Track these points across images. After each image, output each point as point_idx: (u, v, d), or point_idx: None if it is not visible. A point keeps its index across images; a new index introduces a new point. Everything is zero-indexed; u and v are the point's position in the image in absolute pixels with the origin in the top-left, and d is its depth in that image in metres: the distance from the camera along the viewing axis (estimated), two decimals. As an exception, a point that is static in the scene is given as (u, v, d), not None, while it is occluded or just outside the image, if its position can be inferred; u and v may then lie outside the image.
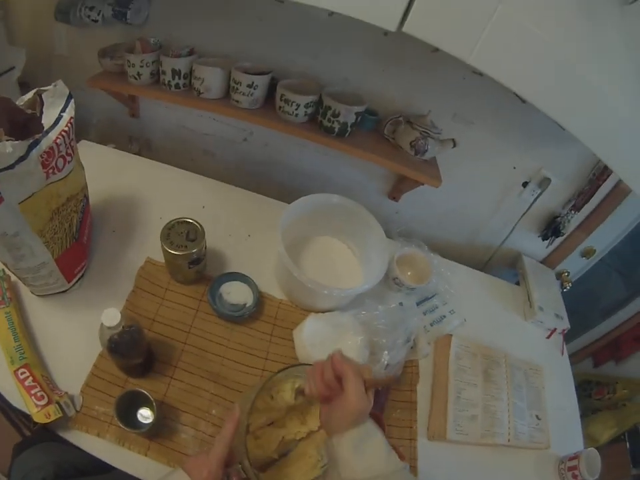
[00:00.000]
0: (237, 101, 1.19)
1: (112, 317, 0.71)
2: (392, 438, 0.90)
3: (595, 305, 1.58)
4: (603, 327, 1.52)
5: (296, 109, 1.14)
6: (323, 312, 1.00)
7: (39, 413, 0.74)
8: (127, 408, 0.78)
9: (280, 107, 1.17)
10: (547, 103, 0.78)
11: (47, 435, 0.80)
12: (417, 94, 1.17)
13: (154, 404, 0.77)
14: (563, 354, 1.20)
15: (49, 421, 0.74)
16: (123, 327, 0.73)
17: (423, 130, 1.12)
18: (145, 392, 0.78)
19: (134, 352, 0.80)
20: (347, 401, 0.61)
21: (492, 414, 0.97)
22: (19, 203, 0.71)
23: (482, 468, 0.93)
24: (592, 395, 1.49)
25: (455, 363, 1.02)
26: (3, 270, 0.89)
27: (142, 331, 0.80)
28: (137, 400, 0.80)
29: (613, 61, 0.75)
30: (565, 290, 1.34)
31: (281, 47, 1.18)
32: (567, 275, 1.37)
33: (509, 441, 0.94)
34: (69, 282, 0.93)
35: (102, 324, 0.72)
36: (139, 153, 1.32)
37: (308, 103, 1.14)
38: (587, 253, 1.36)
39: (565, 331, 1.22)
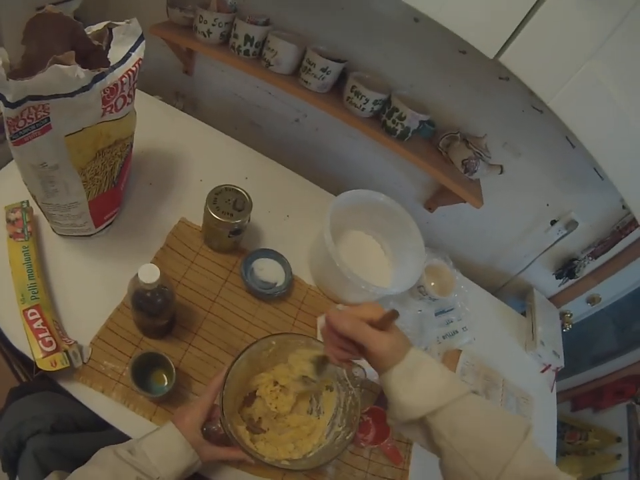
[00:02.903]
0: (306, 82, 1.18)
1: (151, 273, 0.68)
2: (392, 438, 0.91)
3: (587, 350, 1.62)
4: (590, 374, 1.56)
5: (364, 103, 1.14)
6: (350, 305, 1.01)
7: (45, 359, 0.70)
8: (141, 369, 0.76)
9: (348, 98, 1.17)
10: (601, 153, 0.86)
11: (46, 383, 0.76)
12: (475, 115, 1.19)
13: (174, 371, 0.76)
14: (552, 390, 1.24)
15: (54, 369, 0.70)
16: (157, 286, 0.70)
17: (477, 151, 1.14)
18: (166, 356, 0.77)
19: (161, 313, 0.78)
20: (370, 352, 0.58)
21: (484, 433, 1.01)
22: (66, 136, 0.68)
23: None
24: (565, 437, 1.54)
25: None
26: (27, 201, 0.86)
27: (174, 294, 0.78)
28: (152, 362, 0.78)
29: None
30: (564, 330, 1.38)
31: (355, 39, 1.18)
32: (570, 317, 1.42)
33: None
34: (96, 227, 0.90)
35: (136, 277, 0.69)
36: (182, 111, 1.29)
37: (377, 100, 1.14)
38: (592, 300, 1.41)
39: (559, 369, 1.26)
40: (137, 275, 0.68)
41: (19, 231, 0.83)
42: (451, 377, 0.58)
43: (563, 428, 1.56)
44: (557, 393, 1.26)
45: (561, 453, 1.50)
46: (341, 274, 0.90)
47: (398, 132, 1.15)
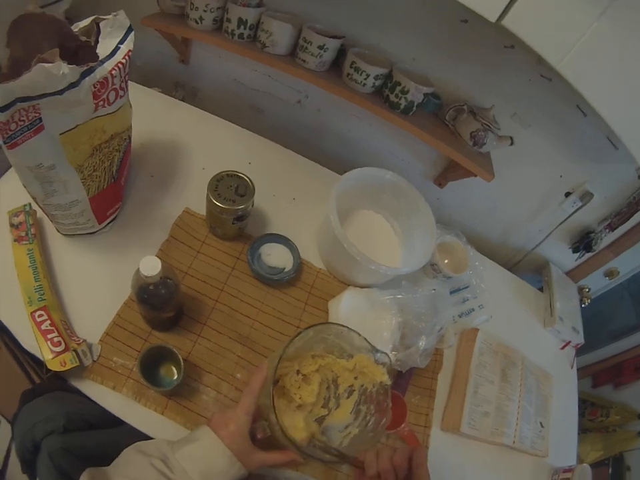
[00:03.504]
0: (304, 61, 1.16)
1: (152, 265, 0.67)
2: (408, 423, 0.90)
3: (605, 326, 1.59)
4: (609, 350, 1.53)
5: (365, 79, 1.12)
6: (361, 287, 0.99)
7: (54, 360, 0.71)
8: (150, 363, 0.76)
9: (348, 74, 1.15)
10: (616, 118, 0.82)
11: (57, 383, 0.76)
12: (481, 86, 1.15)
13: (182, 363, 0.75)
14: (572, 367, 1.21)
15: (64, 369, 0.71)
16: (160, 278, 0.69)
17: (485, 122, 1.11)
18: (174, 349, 0.76)
19: (166, 306, 0.77)
20: None
21: (504, 413, 0.98)
22: (60, 134, 0.67)
23: (483, 465, 0.94)
24: (585, 414, 1.51)
25: (477, 358, 1.02)
26: (30, 204, 0.86)
27: (179, 285, 0.77)
28: (161, 356, 0.78)
29: None
30: (583, 306, 1.35)
31: (353, 16, 1.15)
32: (588, 291, 1.38)
33: (514, 442, 0.95)
34: (99, 223, 0.90)
35: (138, 270, 0.68)
36: (183, 101, 1.28)
37: (378, 75, 1.12)
38: (610, 274, 1.37)
39: (579, 346, 1.24)
40: (138, 268, 0.67)
41: (22, 234, 0.83)
42: None
43: (584, 405, 1.54)
44: (577, 370, 1.24)
45: (582, 430, 1.48)
46: (350, 255, 0.88)
47: (402, 106, 1.13)
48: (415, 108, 1.13)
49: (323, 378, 0.80)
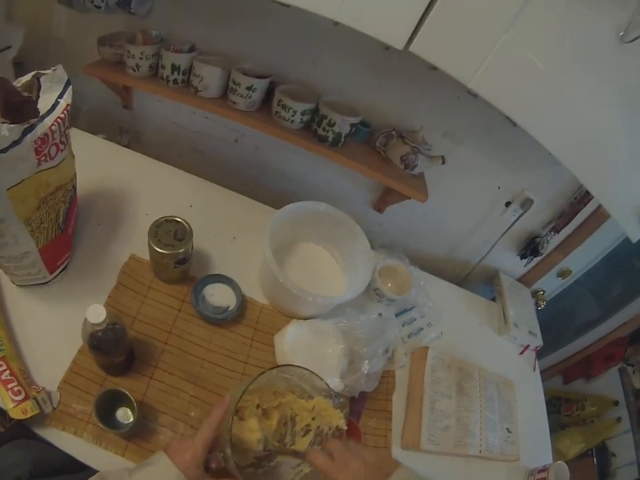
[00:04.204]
0: (234, 102, 1.18)
1: (97, 313, 0.69)
2: (367, 446, 0.92)
3: (568, 323, 1.62)
4: (575, 346, 1.56)
5: (292, 115, 1.15)
6: (305, 319, 1.01)
7: (16, 408, 0.71)
8: (106, 407, 0.77)
9: (276, 112, 1.17)
10: (538, 129, 0.83)
11: (22, 431, 0.77)
12: (410, 109, 1.19)
13: (135, 404, 0.76)
14: (534, 370, 1.23)
15: (25, 417, 0.72)
16: (107, 324, 0.71)
17: (414, 145, 1.13)
18: (126, 392, 0.77)
19: (116, 350, 0.79)
20: None
21: (465, 425, 1.00)
22: (8, 189, 0.68)
23: (454, 478, 0.95)
24: (561, 410, 1.54)
25: (430, 375, 1.04)
26: None
27: (126, 329, 0.79)
28: (117, 399, 0.79)
29: (605, 95, 0.78)
30: (539, 308, 1.38)
31: (282, 51, 1.19)
32: (542, 294, 1.42)
33: (480, 452, 0.97)
34: (50, 273, 0.91)
35: (86, 319, 0.70)
36: (127, 146, 1.30)
37: (305, 110, 1.15)
38: (563, 274, 1.40)
39: (538, 348, 1.25)
40: (86, 318, 0.70)
41: (-23, 285, 0.84)
42: None
43: (559, 402, 1.57)
44: (546, 370, 1.25)
45: (560, 426, 1.50)
46: (289, 290, 0.90)
47: (330, 139, 1.16)
48: (343, 139, 1.16)
49: (282, 414, 0.81)
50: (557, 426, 1.50)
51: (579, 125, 0.81)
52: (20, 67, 1.35)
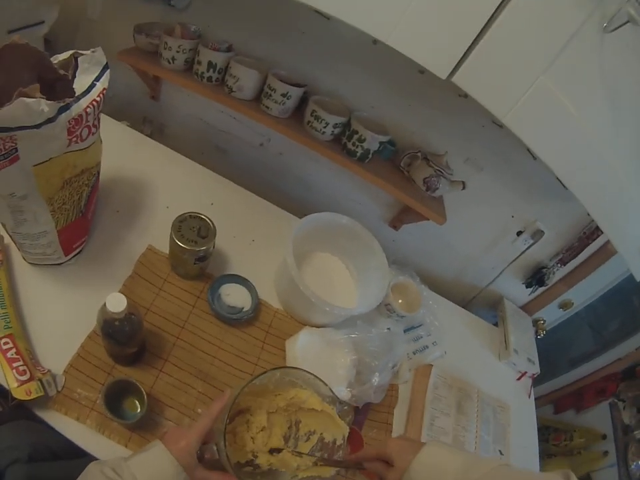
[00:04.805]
0: (267, 107, 1.19)
1: (118, 302, 0.70)
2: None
3: (564, 354, 1.64)
4: (569, 377, 1.57)
5: (324, 127, 1.16)
6: (317, 327, 1.02)
7: (19, 388, 0.71)
8: (113, 396, 0.77)
9: (309, 122, 1.19)
10: (560, 165, 0.87)
11: (22, 412, 0.76)
12: (436, 132, 1.21)
13: (145, 396, 0.77)
14: (529, 397, 1.25)
15: (29, 398, 0.71)
16: (125, 314, 0.71)
17: (438, 169, 1.16)
18: (137, 383, 0.77)
19: (130, 341, 0.79)
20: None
21: (460, 444, 1.02)
22: (34, 166, 0.68)
23: None
24: (549, 439, 1.55)
25: (432, 392, 1.07)
26: None
27: (142, 321, 0.79)
28: (125, 389, 0.79)
29: (624, 139, 0.82)
30: (539, 337, 1.40)
31: (317, 63, 1.20)
32: (543, 323, 1.44)
33: None
34: (65, 255, 0.90)
35: (104, 306, 0.70)
36: (150, 136, 1.30)
37: (337, 123, 1.16)
38: (564, 305, 1.43)
39: (535, 376, 1.28)
40: (105, 303, 0.70)
41: (-11, 260, 0.83)
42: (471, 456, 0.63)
43: (547, 431, 1.57)
44: (538, 398, 1.27)
45: (547, 455, 1.51)
46: (305, 297, 0.92)
47: (358, 154, 1.17)
48: (370, 155, 1.18)
49: (287, 419, 0.81)
50: (545, 455, 1.51)
51: (598, 165, 0.85)
52: (49, 44, 1.34)
